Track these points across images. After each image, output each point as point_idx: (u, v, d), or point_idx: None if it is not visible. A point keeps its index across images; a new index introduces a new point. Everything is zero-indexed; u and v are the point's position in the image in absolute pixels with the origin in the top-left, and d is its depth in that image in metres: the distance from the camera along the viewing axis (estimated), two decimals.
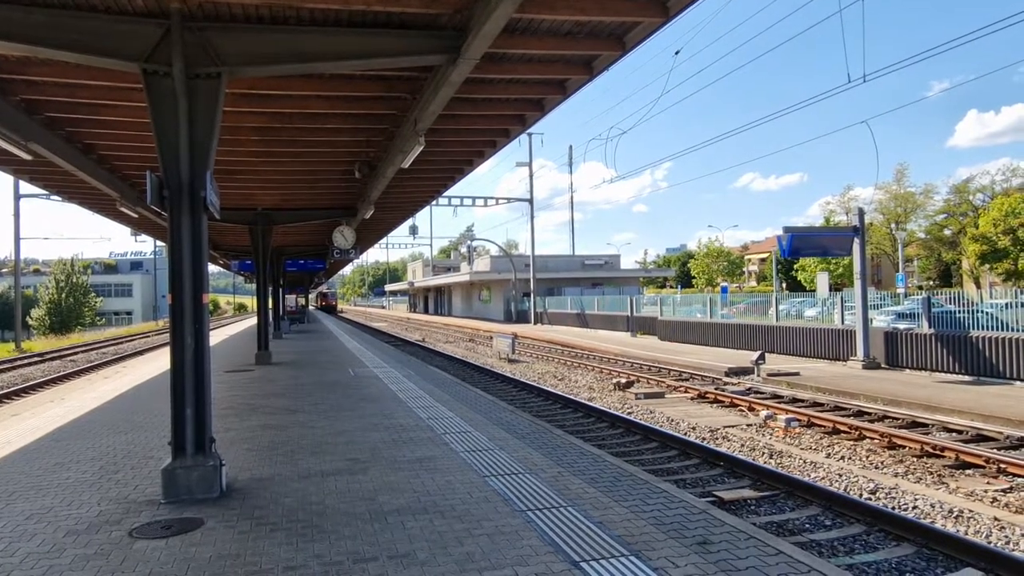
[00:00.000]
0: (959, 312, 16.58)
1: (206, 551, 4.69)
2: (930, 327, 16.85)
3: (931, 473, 8.90)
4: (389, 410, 10.35)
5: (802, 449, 10.45)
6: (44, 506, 5.82)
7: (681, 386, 16.64)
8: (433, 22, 6.79)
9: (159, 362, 20.39)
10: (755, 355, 18.00)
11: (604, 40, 7.72)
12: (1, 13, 5.84)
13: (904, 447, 10.09)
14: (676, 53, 21.06)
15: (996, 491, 8.00)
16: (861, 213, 19.35)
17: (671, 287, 79.63)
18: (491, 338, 30.15)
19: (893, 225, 62.04)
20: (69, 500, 5.97)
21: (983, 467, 8.88)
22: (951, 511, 7.33)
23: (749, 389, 15.81)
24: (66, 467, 7.20)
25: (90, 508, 5.72)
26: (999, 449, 9.72)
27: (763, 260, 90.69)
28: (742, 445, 10.65)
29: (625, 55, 7.90)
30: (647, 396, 15.50)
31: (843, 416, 12.32)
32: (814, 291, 34.51)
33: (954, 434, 10.83)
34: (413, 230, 63.37)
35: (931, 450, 9.68)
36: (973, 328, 15.88)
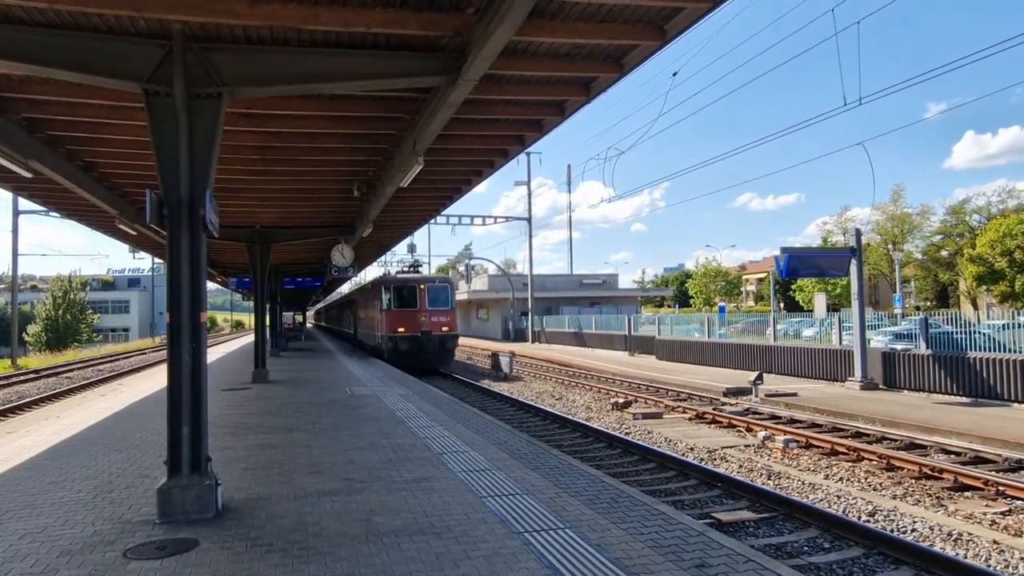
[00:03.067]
0: (956, 333, 16.60)
1: (201, 572, 4.66)
2: (928, 348, 16.85)
3: (929, 495, 8.86)
4: (386, 429, 10.31)
5: (800, 470, 10.41)
6: (38, 525, 5.77)
7: (679, 406, 16.59)
8: (433, 44, 6.86)
9: (155, 379, 20.31)
10: (753, 375, 17.97)
11: (602, 62, 7.80)
12: (5, 33, 5.91)
13: (902, 469, 10.05)
14: (674, 75, 21.24)
15: (995, 513, 7.97)
16: (858, 234, 19.42)
17: (669, 307, 79.64)
18: (489, 356, 30.07)
19: (890, 246, 62.24)
20: (63, 519, 5.93)
21: (982, 489, 8.85)
22: (950, 534, 7.29)
23: (747, 410, 15.76)
24: (61, 486, 7.15)
25: (84, 528, 5.67)
26: (998, 471, 9.69)
27: (761, 280, 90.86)
28: (740, 466, 10.60)
29: (623, 77, 7.98)
30: (645, 416, 15.45)
31: (841, 437, 12.28)
32: (811, 311, 34.56)
33: (952, 455, 10.79)
34: (411, 248, 63.46)
35: (929, 472, 9.64)
36: (970, 349, 15.89)
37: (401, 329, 25.33)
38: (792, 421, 14.20)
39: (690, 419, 15.25)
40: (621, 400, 17.30)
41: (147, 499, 6.37)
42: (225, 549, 5.10)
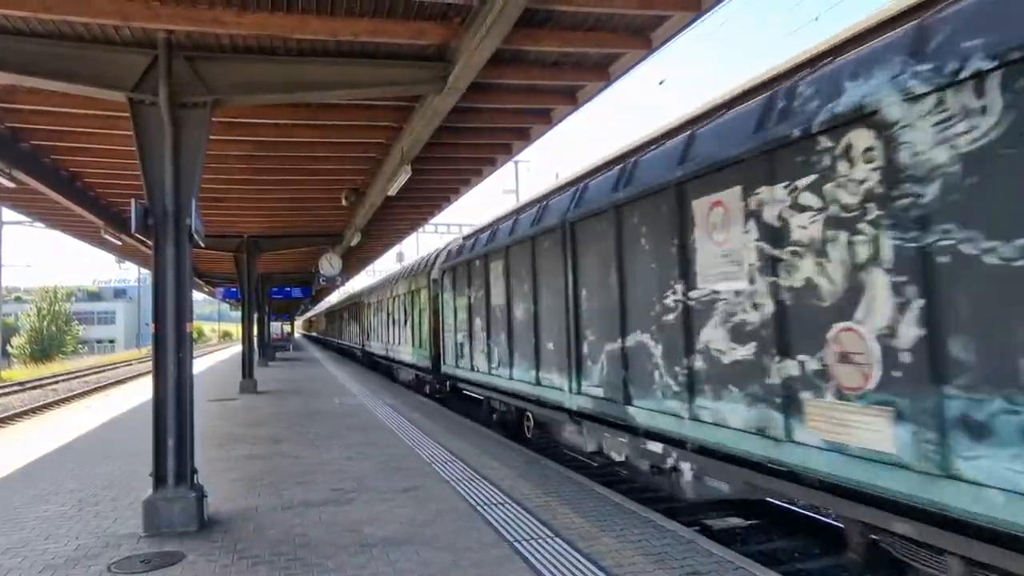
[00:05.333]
0: None
1: None
2: None
3: None
4: (375, 439, 10.25)
5: None
6: (20, 540, 5.69)
7: None
8: (420, 53, 6.86)
9: (141, 391, 20.11)
10: None
11: (589, 70, 7.83)
12: None
13: None
14: (660, 83, 21.33)
15: None
16: None
17: None
18: None
19: None
20: (46, 533, 5.85)
21: None
22: None
23: None
24: (44, 499, 7.06)
25: (68, 542, 5.60)
26: None
27: None
28: None
29: (610, 85, 8.01)
30: None
31: None
32: None
33: None
34: (399, 257, 63.26)
35: None
36: None
37: None
38: None
39: None
40: None
41: (132, 512, 6.30)
42: (211, 562, 5.04)
